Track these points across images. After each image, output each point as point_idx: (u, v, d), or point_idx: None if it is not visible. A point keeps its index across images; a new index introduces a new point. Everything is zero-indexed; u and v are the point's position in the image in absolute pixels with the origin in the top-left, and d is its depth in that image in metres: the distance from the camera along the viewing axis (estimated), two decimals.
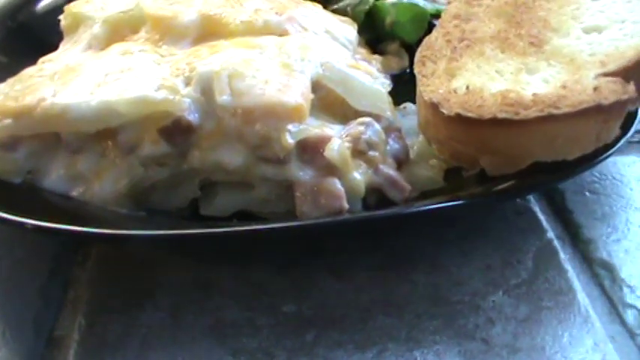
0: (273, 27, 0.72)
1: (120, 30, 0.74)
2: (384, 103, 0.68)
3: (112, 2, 0.78)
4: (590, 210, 0.69)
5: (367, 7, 0.86)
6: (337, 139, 0.63)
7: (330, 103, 0.67)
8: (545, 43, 0.68)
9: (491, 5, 0.74)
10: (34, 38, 0.86)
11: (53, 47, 0.78)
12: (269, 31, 0.72)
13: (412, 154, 0.69)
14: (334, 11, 0.84)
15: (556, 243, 0.66)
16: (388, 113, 0.68)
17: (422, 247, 0.65)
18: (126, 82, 0.64)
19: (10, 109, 0.64)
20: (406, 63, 0.85)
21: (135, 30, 0.74)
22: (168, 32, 0.72)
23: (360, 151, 0.63)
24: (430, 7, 0.85)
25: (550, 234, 0.67)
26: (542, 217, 0.68)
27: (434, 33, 0.73)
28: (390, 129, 0.67)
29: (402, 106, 0.74)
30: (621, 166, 0.74)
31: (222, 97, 0.62)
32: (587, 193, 0.71)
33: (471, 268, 0.63)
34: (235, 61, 0.64)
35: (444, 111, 0.62)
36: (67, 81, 0.66)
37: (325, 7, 0.84)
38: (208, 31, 0.71)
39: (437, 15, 0.83)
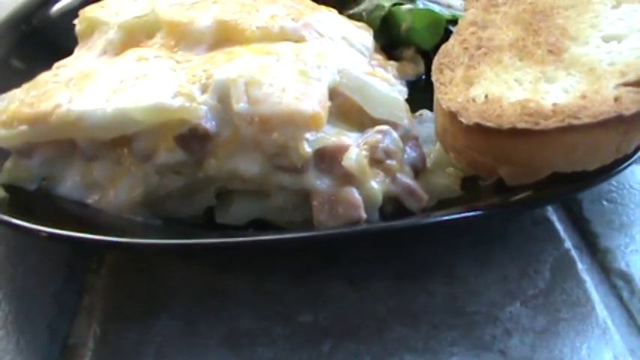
0: (290, 33, 0.72)
1: (135, 35, 0.73)
2: (401, 111, 0.68)
3: (127, 7, 0.78)
4: (607, 220, 0.68)
5: (383, 12, 0.85)
6: (355, 147, 0.62)
7: (347, 110, 0.67)
8: (563, 51, 0.67)
9: (508, 12, 0.73)
10: (49, 42, 0.86)
11: (68, 51, 0.77)
12: (285, 37, 0.71)
13: (429, 163, 0.68)
14: (350, 17, 0.84)
15: (573, 253, 0.65)
16: (405, 121, 0.67)
17: (438, 257, 0.65)
18: (142, 88, 0.64)
19: (25, 116, 0.64)
20: (422, 69, 0.85)
21: (150, 35, 0.73)
22: (183, 38, 0.71)
23: (377, 159, 0.63)
24: (446, 13, 0.85)
25: (567, 244, 0.66)
26: (559, 226, 0.68)
27: (451, 40, 0.72)
28: (407, 137, 0.67)
29: (418, 113, 0.73)
30: (639, 174, 0.73)
31: (240, 105, 0.61)
32: (604, 203, 0.70)
33: (487, 279, 0.63)
34: (252, 69, 0.64)
35: (463, 120, 0.61)
36: (83, 87, 0.66)
37: (341, 12, 0.83)
38: (224, 37, 0.71)
39: (453, 21, 0.82)
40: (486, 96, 0.63)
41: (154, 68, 0.67)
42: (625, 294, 0.61)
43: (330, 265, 0.64)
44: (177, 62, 0.68)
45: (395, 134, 0.65)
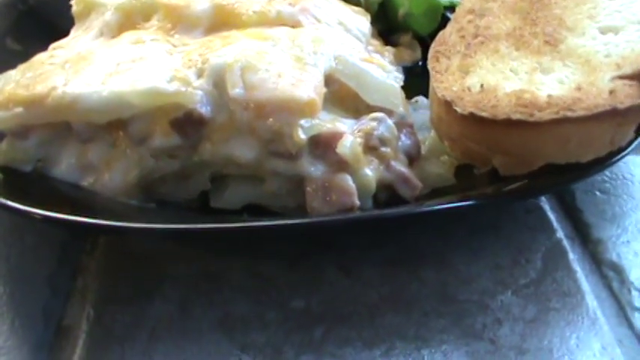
0: (286, 18, 0.72)
1: (132, 17, 0.73)
2: (396, 99, 0.68)
3: None
4: (600, 210, 0.69)
5: None
6: (349, 135, 0.62)
7: (343, 96, 0.67)
8: (560, 42, 0.67)
9: (506, 1, 0.73)
10: (45, 23, 0.85)
11: (64, 32, 0.77)
12: (282, 22, 0.71)
13: (423, 150, 0.68)
14: (347, 1, 0.83)
15: (565, 243, 0.66)
16: (401, 109, 0.67)
17: (431, 244, 0.65)
18: (138, 72, 0.64)
19: (21, 98, 0.64)
20: (419, 55, 0.85)
21: (147, 18, 0.73)
22: (180, 21, 0.71)
23: (371, 147, 0.63)
24: None
25: (560, 233, 0.66)
26: (552, 216, 0.68)
27: (448, 28, 0.72)
28: (402, 124, 0.67)
29: (413, 99, 0.74)
30: (632, 165, 0.73)
31: (235, 90, 0.61)
32: (597, 193, 0.70)
33: (479, 267, 0.63)
34: (248, 54, 0.64)
35: (458, 109, 0.62)
36: (79, 70, 0.65)
37: None
38: (221, 20, 0.71)
39: (451, 8, 0.82)
40: (482, 85, 0.63)
41: (151, 51, 0.67)
42: (615, 285, 0.62)
43: (323, 251, 0.65)
44: (174, 46, 0.68)
45: (390, 122, 0.65)
